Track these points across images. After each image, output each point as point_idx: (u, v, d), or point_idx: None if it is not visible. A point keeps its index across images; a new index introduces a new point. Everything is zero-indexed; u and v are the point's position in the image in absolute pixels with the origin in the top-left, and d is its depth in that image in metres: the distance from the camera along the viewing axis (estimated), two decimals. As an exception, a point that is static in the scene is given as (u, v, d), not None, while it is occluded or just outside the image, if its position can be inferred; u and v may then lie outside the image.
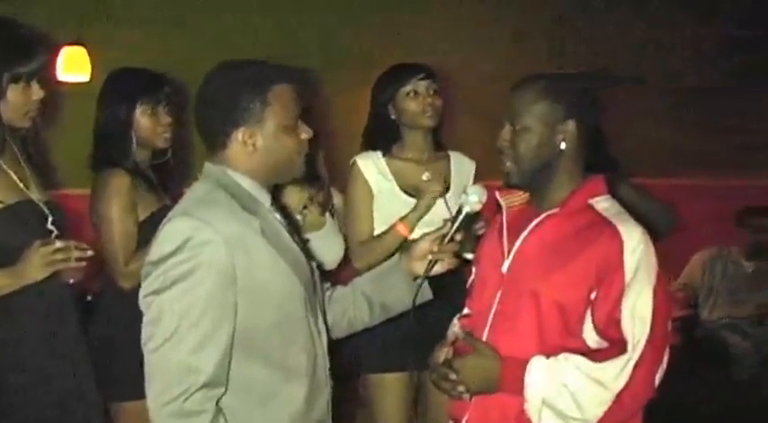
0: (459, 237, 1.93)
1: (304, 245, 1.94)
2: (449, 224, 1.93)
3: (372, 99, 2.86)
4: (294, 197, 2.91)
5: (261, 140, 1.73)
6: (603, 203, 1.86)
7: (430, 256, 1.92)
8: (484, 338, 1.88)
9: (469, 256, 2.47)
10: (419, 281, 1.93)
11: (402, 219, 2.69)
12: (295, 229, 1.96)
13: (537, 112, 1.83)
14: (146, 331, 1.65)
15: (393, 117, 2.81)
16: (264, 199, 1.79)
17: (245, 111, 1.71)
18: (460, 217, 1.92)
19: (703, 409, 4.15)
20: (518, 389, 1.78)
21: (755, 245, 4.72)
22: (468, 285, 2.11)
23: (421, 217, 2.70)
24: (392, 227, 2.71)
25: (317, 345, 1.81)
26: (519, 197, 1.97)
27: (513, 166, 1.87)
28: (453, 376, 1.83)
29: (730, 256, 4.81)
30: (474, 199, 1.92)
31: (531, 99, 1.84)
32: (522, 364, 1.78)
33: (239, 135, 1.72)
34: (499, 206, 1.98)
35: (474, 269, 2.08)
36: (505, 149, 1.87)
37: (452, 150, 2.94)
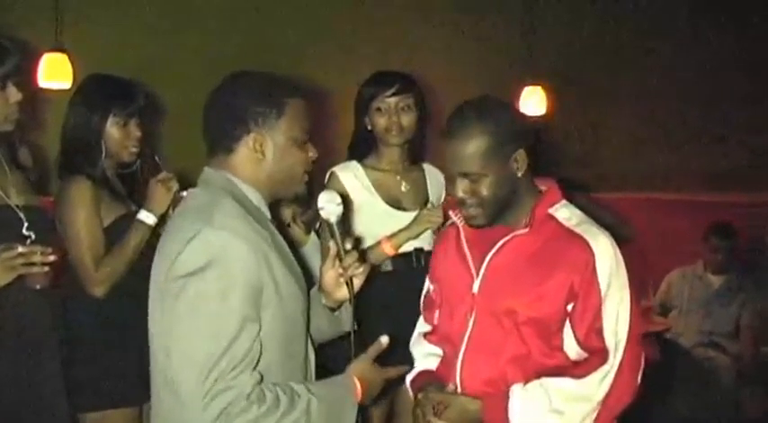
0: (349, 245, 1.85)
1: (300, 261, 1.91)
2: (333, 243, 1.84)
3: (354, 108, 2.80)
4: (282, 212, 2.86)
5: (270, 149, 1.72)
6: (564, 212, 1.88)
7: (342, 279, 1.84)
8: (459, 362, 1.89)
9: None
10: (348, 305, 1.87)
11: (390, 237, 2.63)
12: (291, 244, 1.93)
13: (486, 155, 1.80)
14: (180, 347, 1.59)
15: (369, 128, 2.75)
16: (266, 212, 1.77)
17: (260, 116, 1.70)
18: (335, 230, 1.82)
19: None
20: (502, 421, 1.79)
21: (716, 263, 4.79)
22: (423, 299, 2.11)
23: (409, 239, 2.65)
24: (377, 244, 2.63)
25: (310, 363, 1.81)
26: None
27: (478, 211, 1.85)
28: None
29: (696, 272, 4.87)
30: (331, 207, 1.82)
31: (474, 145, 1.80)
32: (502, 398, 1.79)
33: (249, 141, 1.71)
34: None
35: (432, 286, 2.07)
36: (468, 200, 1.85)
37: (425, 163, 2.88)
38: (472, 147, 1.80)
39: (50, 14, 4.43)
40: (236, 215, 1.66)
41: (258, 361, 1.61)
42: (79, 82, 2.77)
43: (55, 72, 4.30)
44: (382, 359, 1.85)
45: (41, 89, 4.25)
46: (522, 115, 1.93)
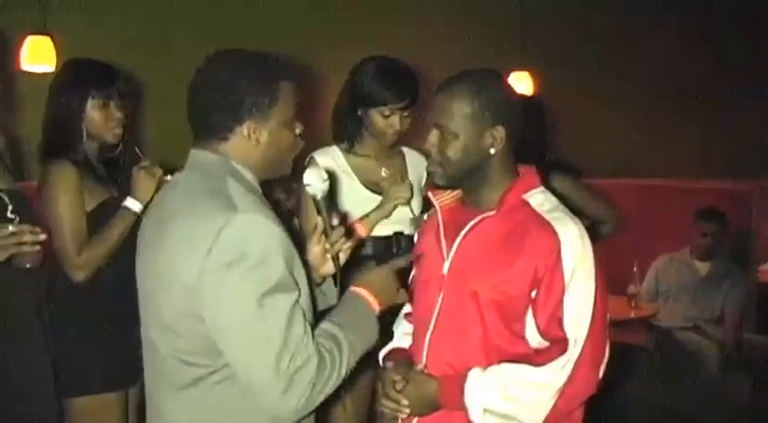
0: (336, 220, 1.89)
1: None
2: (319, 219, 1.87)
3: (351, 89, 2.71)
4: None
5: (265, 135, 1.71)
6: (538, 198, 1.86)
7: (329, 255, 1.89)
8: (426, 342, 1.89)
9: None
10: (334, 280, 1.92)
11: (362, 218, 2.63)
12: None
13: (465, 118, 1.81)
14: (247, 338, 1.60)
15: (359, 113, 2.70)
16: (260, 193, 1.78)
17: (254, 106, 1.68)
18: (322, 206, 1.85)
19: (670, 411, 4.21)
20: (458, 403, 1.79)
21: (702, 248, 4.81)
22: (410, 281, 2.11)
23: (381, 219, 2.65)
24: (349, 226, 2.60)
25: None
26: (451, 195, 1.97)
27: (439, 169, 1.87)
28: (404, 402, 1.85)
29: (683, 258, 4.90)
30: (317, 183, 1.84)
31: (457, 104, 1.81)
32: (459, 379, 1.79)
33: (244, 130, 1.69)
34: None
35: (415, 268, 2.08)
36: (433, 154, 1.86)
37: (404, 147, 2.85)
38: (454, 104, 1.81)
39: (36, 6, 4.38)
40: (254, 200, 1.66)
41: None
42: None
43: (38, 55, 4.27)
44: None
45: (24, 72, 4.22)
46: (516, 97, 1.90)
